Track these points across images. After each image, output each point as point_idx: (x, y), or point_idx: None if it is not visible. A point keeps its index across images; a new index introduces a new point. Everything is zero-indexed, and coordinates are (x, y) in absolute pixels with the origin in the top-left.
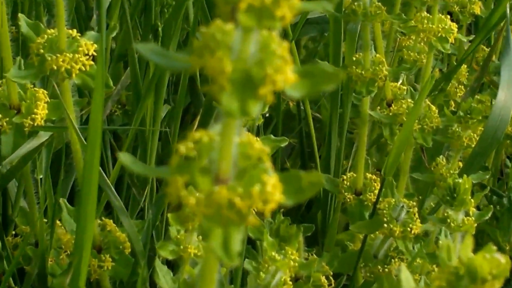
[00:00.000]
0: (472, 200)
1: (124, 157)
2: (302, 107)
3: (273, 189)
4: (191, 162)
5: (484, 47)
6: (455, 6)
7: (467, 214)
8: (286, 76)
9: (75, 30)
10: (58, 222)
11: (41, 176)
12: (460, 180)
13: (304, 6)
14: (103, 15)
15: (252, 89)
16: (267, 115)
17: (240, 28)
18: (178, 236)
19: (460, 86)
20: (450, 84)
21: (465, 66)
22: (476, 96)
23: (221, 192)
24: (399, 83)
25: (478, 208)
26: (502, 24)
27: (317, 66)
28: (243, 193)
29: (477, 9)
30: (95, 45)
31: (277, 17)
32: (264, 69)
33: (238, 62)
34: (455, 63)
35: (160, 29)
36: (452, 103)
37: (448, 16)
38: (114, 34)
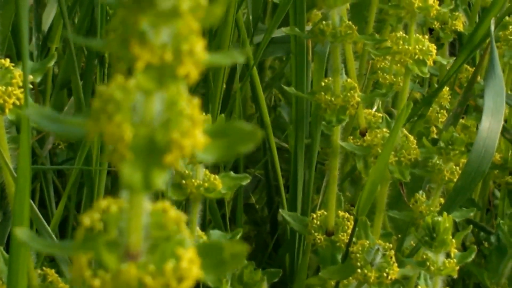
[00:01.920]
0: (454, 240)
1: (21, 234)
2: (266, 137)
3: (189, 265)
4: (97, 236)
5: (468, 67)
6: (436, 23)
7: (448, 256)
8: (195, 140)
9: (8, 60)
10: None
11: None
12: (440, 219)
13: (211, 59)
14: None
15: (156, 156)
16: None
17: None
18: None
19: (442, 111)
20: (431, 108)
21: (447, 88)
22: (460, 120)
23: (130, 270)
24: (374, 109)
25: (463, 244)
26: (487, 42)
27: (231, 124)
28: (155, 270)
29: (460, 25)
30: (31, 77)
31: (180, 76)
32: (169, 134)
33: (141, 126)
34: (436, 85)
35: (106, 55)
36: (434, 129)
37: (427, 37)
38: (52, 63)
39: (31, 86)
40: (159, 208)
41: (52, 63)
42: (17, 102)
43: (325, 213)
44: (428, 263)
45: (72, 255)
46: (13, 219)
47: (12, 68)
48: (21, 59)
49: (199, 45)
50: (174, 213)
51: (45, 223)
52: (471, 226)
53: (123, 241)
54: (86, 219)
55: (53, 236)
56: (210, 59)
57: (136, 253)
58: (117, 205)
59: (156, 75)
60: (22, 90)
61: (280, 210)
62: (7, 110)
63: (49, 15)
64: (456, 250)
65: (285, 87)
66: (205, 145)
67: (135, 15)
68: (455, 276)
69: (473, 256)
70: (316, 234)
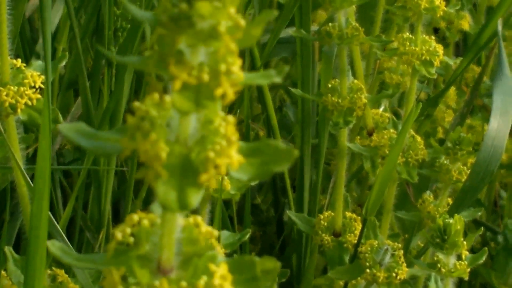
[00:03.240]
0: (465, 242)
1: (53, 247)
2: (273, 137)
3: (221, 281)
4: (129, 250)
5: (474, 66)
6: (442, 22)
7: (459, 258)
8: (230, 159)
9: (19, 60)
10: (3, 272)
11: None
12: (451, 221)
13: (248, 79)
14: (48, 51)
15: (191, 175)
16: None
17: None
18: None
19: (448, 111)
20: (438, 108)
21: (454, 88)
22: (466, 121)
23: (162, 286)
24: (381, 109)
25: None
26: (493, 42)
27: (267, 143)
28: (187, 287)
29: (466, 25)
30: (42, 77)
31: (217, 96)
32: (204, 153)
33: (176, 145)
34: (443, 85)
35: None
36: (440, 128)
37: (433, 37)
38: (63, 63)
39: (42, 86)
40: (191, 223)
41: (63, 63)
42: (29, 102)
43: (332, 214)
44: (439, 265)
45: (104, 269)
46: (31, 222)
47: (23, 68)
48: (45, 60)
49: (236, 66)
50: (206, 228)
51: (57, 224)
52: (482, 228)
53: (155, 256)
54: (118, 233)
55: (65, 237)
56: (246, 79)
57: (168, 269)
58: (149, 219)
59: (192, 96)
60: (34, 90)
61: (287, 211)
62: (19, 110)
63: (55, 16)
64: (467, 252)
65: (292, 89)
66: (240, 164)
67: (173, 35)
68: (466, 278)
69: (484, 258)
70: (323, 235)
